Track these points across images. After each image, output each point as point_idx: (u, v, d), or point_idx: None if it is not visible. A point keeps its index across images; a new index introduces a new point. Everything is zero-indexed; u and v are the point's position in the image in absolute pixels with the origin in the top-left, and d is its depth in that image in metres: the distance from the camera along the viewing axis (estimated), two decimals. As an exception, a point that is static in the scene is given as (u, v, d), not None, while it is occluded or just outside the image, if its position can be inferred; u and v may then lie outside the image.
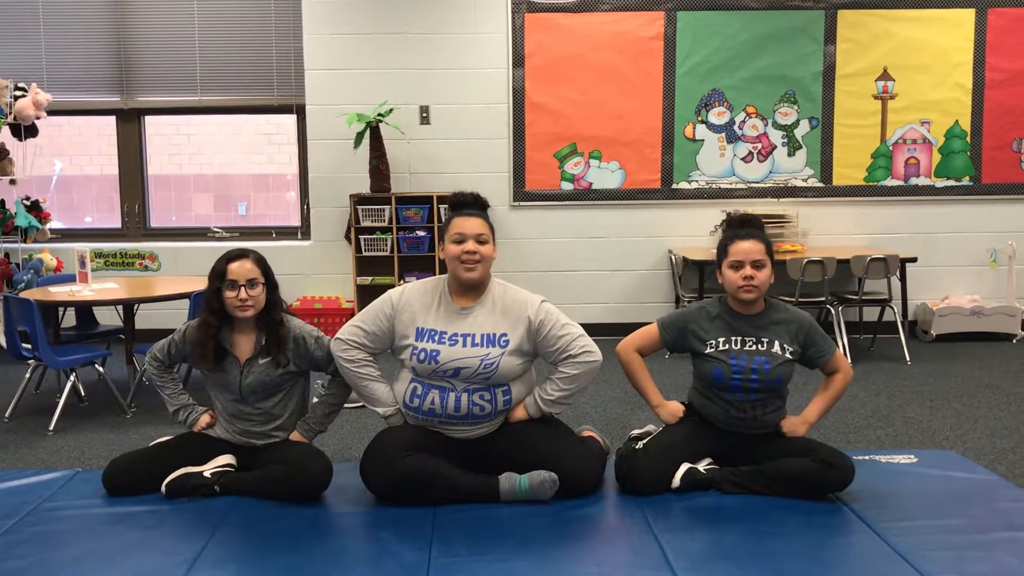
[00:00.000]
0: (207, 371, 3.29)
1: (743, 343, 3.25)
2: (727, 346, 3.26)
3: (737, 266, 3.22)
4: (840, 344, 5.84)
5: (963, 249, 6.79)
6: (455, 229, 3.20)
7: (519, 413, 3.26)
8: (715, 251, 3.44)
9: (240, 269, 3.23)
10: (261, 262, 3.31)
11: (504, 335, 3.18)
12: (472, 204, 3.29)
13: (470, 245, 3.16)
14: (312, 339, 3.33)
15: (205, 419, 3.39)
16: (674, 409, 3.39)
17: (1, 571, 2.68)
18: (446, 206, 3.32)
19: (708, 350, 3.27)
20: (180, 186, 7.29)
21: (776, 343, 3.24)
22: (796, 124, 6.69)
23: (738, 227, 3.31)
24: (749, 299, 3.23)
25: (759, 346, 3.24)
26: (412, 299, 3.25)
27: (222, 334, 3.29)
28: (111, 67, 6.81)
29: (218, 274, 3.25)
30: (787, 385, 3.29)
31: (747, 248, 3.22)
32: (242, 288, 3.21)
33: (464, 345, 3.15)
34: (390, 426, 3.30)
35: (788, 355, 3.24)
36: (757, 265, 3.20)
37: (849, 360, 5.73)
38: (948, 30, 6.59)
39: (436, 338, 3.17)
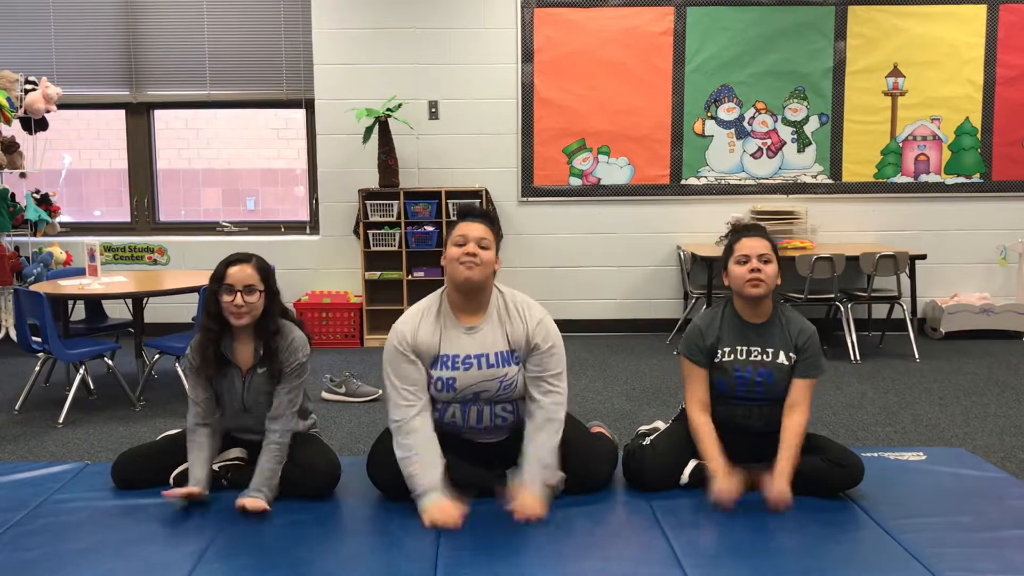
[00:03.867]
0: (211, 378, 3.22)
1: (749, 353, 3.23)
2: (732, 356, 3.24)
3: (744, 260, 3.21)
4: (849, 341, 5.83)
5: (973, 246, 6.76)
6: (458, 232, 3.07)
7: (531, 500, 2.92)
8: (723, 249, 3.43)
9: (239, 274, 3.13)
10: (262, 269, 3.21)
11: (515, 351, 3.10)
12: (480, 215, 3.16)
13: (471, 247, 3.01)
14: (297, 357, 3.20)
15: (185, 491, 3.07)
16: (728, 489, 3.07)
17: (11, 563, 2.69)
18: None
19: (716, 359, 3.26)
20: (189, 180, 7.30)
21: (781, 353, 3.22)
22: (806, 120, 6.67)
23: (743, 230, 3.33)
24: (756, 294, 3.20)
25: (764, 356, 3.22)
26: (416, 330, 3.08)
27: (224, 342, 3.20)
28: (120, 61, 6.82)
29: (216, 277, 3.16)
30: None
31: (753, 244, 3.23)
32: (238, 294, 3.11)
33: (479, 368, 3.05)
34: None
35: (791, 365, 3.22)
36: (763, 259, 3.20)
37: (858, 358, 5.78)
38: (959, 26, 6.56)
39: (450, 364, 3.05)
